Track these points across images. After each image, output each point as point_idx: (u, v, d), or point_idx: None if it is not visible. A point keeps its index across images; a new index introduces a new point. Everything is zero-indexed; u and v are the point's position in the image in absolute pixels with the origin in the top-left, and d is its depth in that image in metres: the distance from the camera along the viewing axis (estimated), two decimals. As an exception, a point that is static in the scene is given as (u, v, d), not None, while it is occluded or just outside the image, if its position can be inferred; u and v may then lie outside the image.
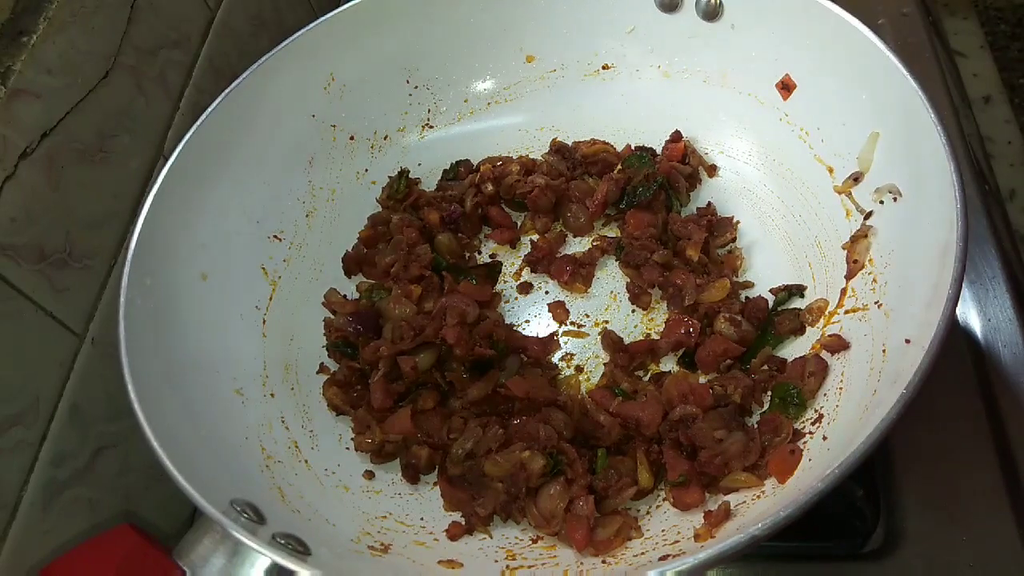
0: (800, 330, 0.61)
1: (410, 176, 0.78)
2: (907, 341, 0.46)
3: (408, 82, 0.79)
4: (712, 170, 0.74)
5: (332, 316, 0.69)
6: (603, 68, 0.78)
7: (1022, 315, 0.65)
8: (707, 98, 0.73)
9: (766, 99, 0.69)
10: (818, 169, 0.64)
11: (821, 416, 0.54)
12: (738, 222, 0.70)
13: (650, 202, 0.70)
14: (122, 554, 0.50)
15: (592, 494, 0.55)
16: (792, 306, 0.63)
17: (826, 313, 0.60)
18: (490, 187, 0.74)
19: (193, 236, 0.64)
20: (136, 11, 0.66)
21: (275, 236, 0.71)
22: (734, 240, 0.69)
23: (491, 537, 0.56)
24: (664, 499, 0.56)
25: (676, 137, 0.74)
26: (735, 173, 0.73)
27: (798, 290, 0.64)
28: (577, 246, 0.73)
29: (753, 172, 0.71)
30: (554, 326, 0.69)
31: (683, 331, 0.63)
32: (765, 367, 0.60)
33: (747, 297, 0.65)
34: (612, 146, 0.76)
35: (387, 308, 0.66)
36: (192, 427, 0.54)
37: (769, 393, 0.58)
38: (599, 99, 0.79)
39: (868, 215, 0.59)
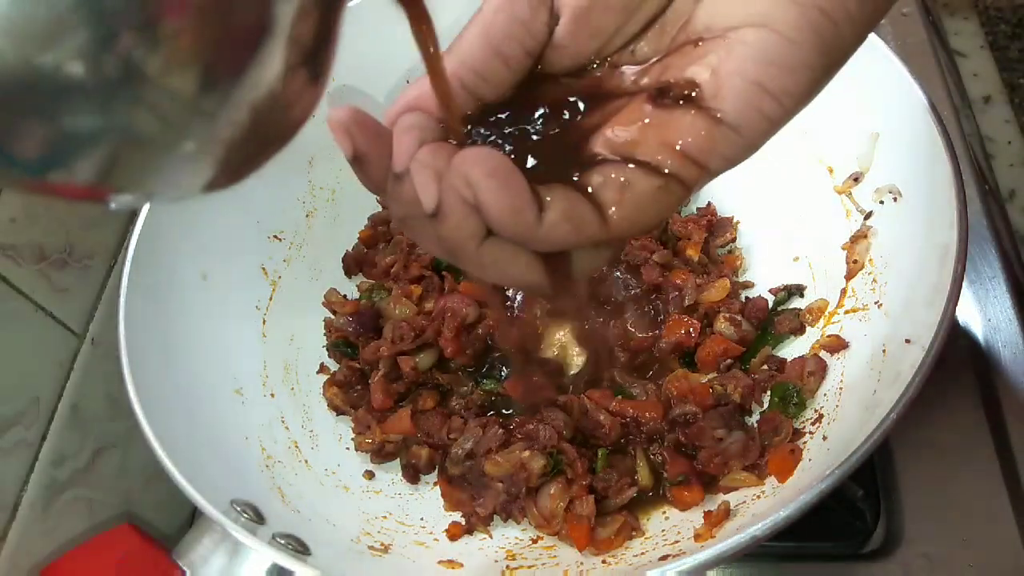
0: (800, 330, 0.61)
1: (410, 176, 0.78)
2: (907, 341, 0.46)
3: (408, 82, 0.79)
4: (712, 170, 0.74)
5: (332, 316, 0.69)
6: (603, 68, 0.78)
7: (1022, 315, 0.65)
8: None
9: (766, 99, 0.68)
10: (818, 169, 0.64)
11: (821, 416, 0.54)
12: (738, 222, 0.70)
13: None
14: (122, 554, 0.50)
15: (592, 494, 0.55)
16: (792, 306, 0.63)
17: (826, 313, 0.60)
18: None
19: (193, 236, 0.64)
20: (136, 11, 0.66)
21: (275, 236, 0.71)
22: (734, 240, 0.69)
23: (491, 537, 0.56)
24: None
25: (676, 137, 0.74)
26: (735, 173, 0.72)
27: (798, 290, 0.64)
28: (577, 246, 0.73)
29: (753, 172, 0.71)
30: (554, 326, 0.69)
31: (683, 331, 0.63)
32: (765, 367, 0.60)
33: (747, 297, 0.65)
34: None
35: (387, 308, 0.66)
36: (192, 427, 0.54)
37: (768, 392, 0.58)
38: (599, 99, 0.79)
39: (868, 215, 0.59)
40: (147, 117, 0.19)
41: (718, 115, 0.28)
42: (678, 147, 0.28)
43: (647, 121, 0.28)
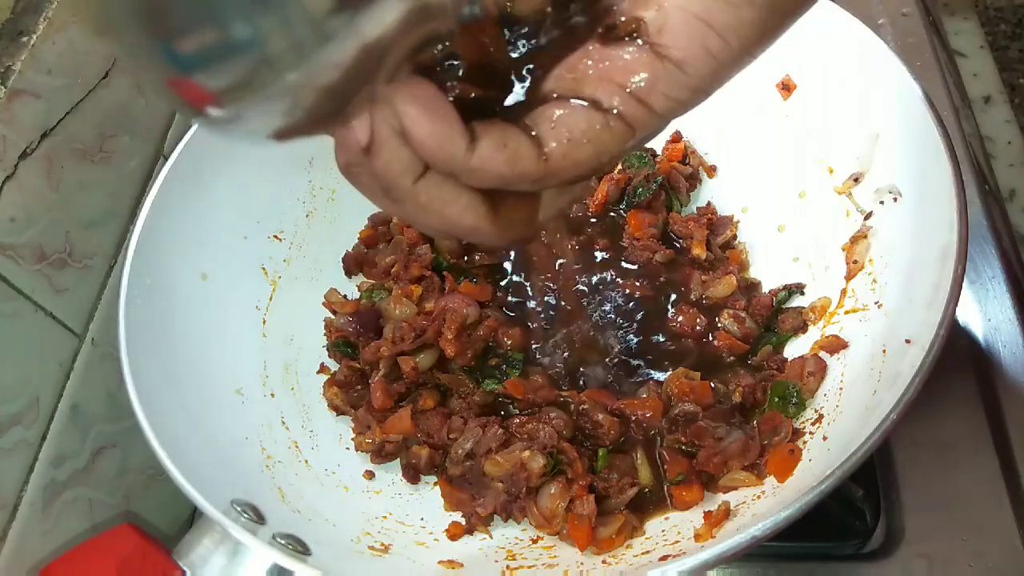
0: (803, 328, 0.61)
1: (410, 176, 0.78)
2: (907, 341, 0.46)
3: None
4: (712, 170, 0.74)
5: (332, 316, 0.69)
6: (603, 68, 0.78)
7: (1022, 315, 0.65)
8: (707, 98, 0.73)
9: (766, 99, 0.68)
10: (818, 169, 0.64)
11: (821, 416, 0.54)
12: (738, 221, 0.70)
13: (650, 202, 0.70)
14: (122, 554, 0.50)
15: (593, 493, 0.55)
16: (794, 305, 0.63)
17: (828, 312, 0.60)
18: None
19: (193, 236, 0.64)
20: (136, 11, 0.66)
21: (275, 236, 0.71)
22: (735, 236, 0.70)
23: (491, 537, 0.56)
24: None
25: (676, 137, 0.74)
26: (735, 173, 0.73)
27: (797, 288, 0.64)
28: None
29: (753, 173, 0.71)
30: (554, 326, 0.69)
31: (689, 327, 0.63)
32: (766, 366, 0.60)
33: (753, 296, 0.65)
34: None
35: (387, 308, 0.66)
36: (192, 427, 0.54)
37: (768, 392, 0.58)
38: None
39: (868, 215, 0.59)
40: (281, 27, 0.22)
41: (661, 51, 0.27)
42: (619, 83, 0.28)
43: (592, 59, 0.28)
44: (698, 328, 0.63)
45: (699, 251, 0.67)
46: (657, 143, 0.75)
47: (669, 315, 0.65)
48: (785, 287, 0.64)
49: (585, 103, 0.28)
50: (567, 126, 0.28)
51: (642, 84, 0.28)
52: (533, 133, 0.28)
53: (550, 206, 0.32)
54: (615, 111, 0.28)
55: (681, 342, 0.64)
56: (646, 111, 0.28)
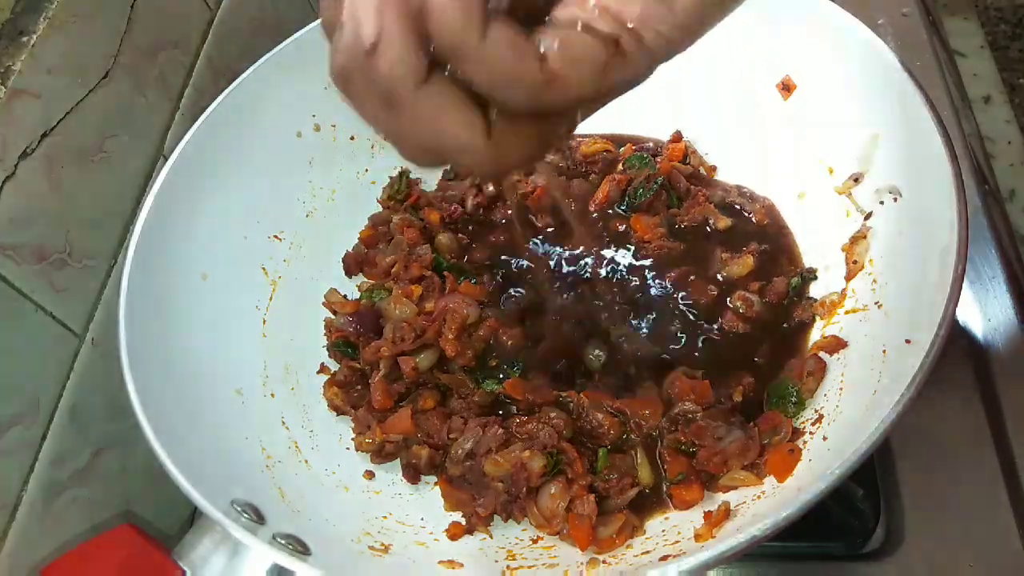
0: (811, 322, 0.61)
1: (410, 176, 0.78)
2: (907, 341, 0.46)
3: None
4: (712, 170, 0.74)
5: (332, 316, 0.69)
6: (603, 68, 0.78)
7: (1022, 315, 0.65)
8: (707, 98, 0.73)
9: (766, 99, 0.69)
10: (818, 169, 0.65)
11: (821, 416, 0.54)
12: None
13: (651, 203, 0.70)
14: (122, 554, 0.50)
15: (593, 493, 0.55)
16: (809, 295, 0.63)
17: (836, 310, 0.60)
18: (491, 187, 0.74)
19: (193, 236, 0.64)
20: (136, 11, 0.66)
21: (275, 236, 0.71)
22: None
23: (491, 537, 0.56)
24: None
25: (676, 137, 0.75)
26: (735, 173, 0.73)
27: (810, 273, 0.64)
28: (577, 246, 0.73)
29: (752, 172, 0.71)
30: (554, 326, 0.69)
31: (700, 297, 0.64)
32: (767, 363, 0.60)
33: (769, 282, 0.65)
34: (612, 144, 0.76)
35: (388, 308, 0.66)
36: (192, 427, 0.54)
37: (768, 392, 0.58)
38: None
39: (868, 215, 0.59)
40: None
41: None
42: (613, 13, 0.29)
43: None
44: (710, 293, 0.64)
45: (723, 223, 0.68)
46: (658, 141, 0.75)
47: (681, 298, 0.66)
48: (797, 271, 0.64)
49: (582, 29, 0.29)
50: (567, 44, 0.29)
51: (634, 16, 0.29)
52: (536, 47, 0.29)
53: (544, 137, 0.33)
54: (609, 39, 0.29)
55: (688, 328, 0.64)
56: (636, 43, 0.30)
